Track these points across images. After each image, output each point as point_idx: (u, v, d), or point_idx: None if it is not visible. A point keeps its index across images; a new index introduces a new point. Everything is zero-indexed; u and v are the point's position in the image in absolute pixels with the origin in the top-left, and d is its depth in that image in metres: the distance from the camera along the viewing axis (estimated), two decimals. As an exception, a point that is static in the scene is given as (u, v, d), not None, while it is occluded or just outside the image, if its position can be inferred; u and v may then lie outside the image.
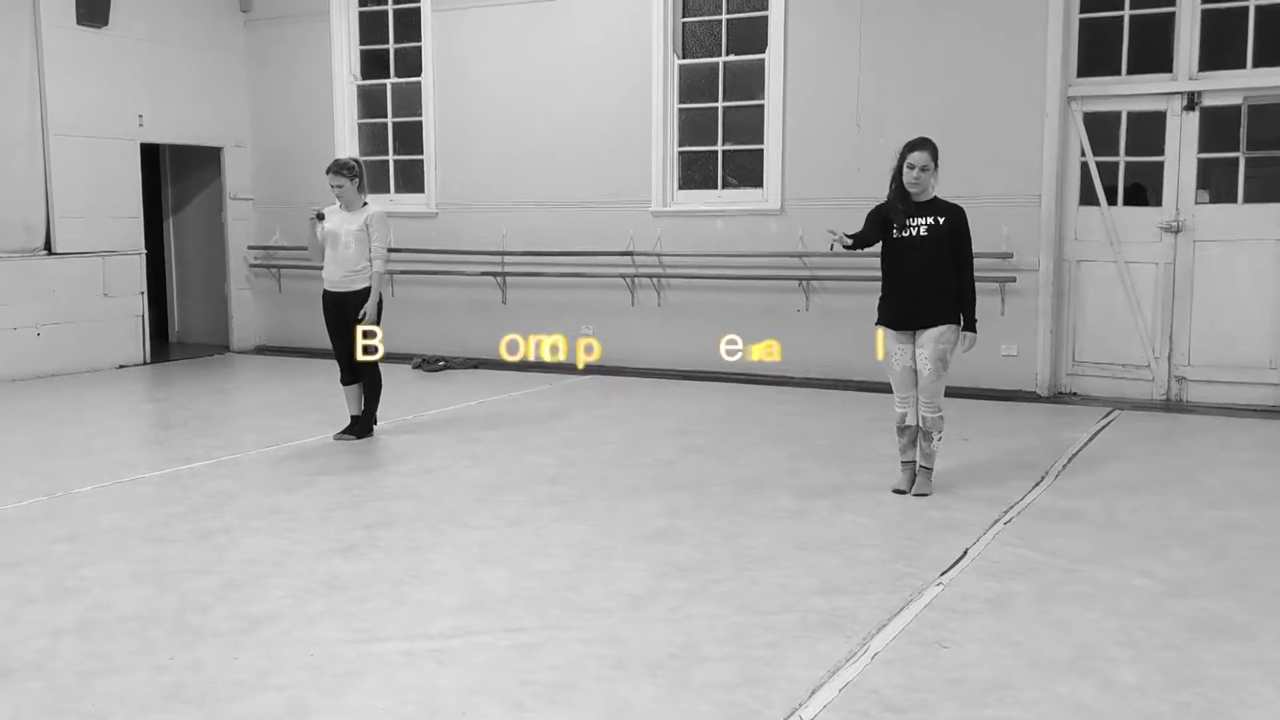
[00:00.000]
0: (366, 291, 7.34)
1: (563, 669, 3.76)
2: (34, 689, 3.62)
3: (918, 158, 5.81)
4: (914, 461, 6.09)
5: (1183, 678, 3.70)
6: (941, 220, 5.80)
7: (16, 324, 10.31)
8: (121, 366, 11.17)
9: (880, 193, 9.38)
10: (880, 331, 6.00)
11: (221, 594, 4.51)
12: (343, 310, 7.42)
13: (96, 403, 9.20)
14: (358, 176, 7.43)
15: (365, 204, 7.50)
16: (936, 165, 5.87)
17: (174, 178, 12.83)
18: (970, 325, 5.92)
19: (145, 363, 11.39)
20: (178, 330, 13.10)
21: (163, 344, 12.58)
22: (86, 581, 4.68)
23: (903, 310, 5.90)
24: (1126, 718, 3.40)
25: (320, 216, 7.40)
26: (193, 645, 3.98)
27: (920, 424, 5.95)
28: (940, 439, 6.03)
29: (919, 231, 5.81)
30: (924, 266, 5.80)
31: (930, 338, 5.84)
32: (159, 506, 5.91)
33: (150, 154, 12.16)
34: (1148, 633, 4.09)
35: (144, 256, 11.47)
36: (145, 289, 11.48)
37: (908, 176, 5.82)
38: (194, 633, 4.10)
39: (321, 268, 7.50)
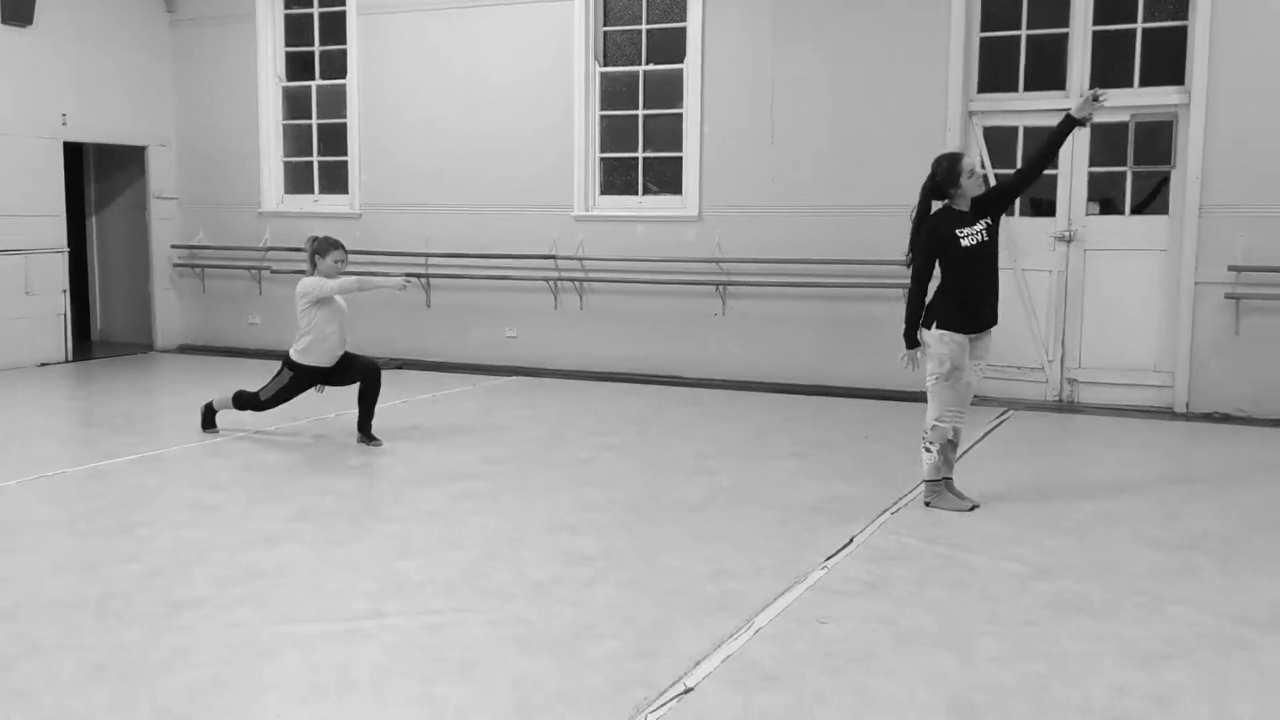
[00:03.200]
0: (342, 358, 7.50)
1: (469, 647, 4.03)
2: (-38, 669, 3.81)
3: (971, 162, 5.87)
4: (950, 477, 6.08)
5: (1036, 650, 4.07)
6: (990, 220, 5.82)
7: (-64, 322, 10.31)
8: (43, 364, 11.18)
9: (792, 202, 9.89)
10: (948, 344, 5.83)
11: (144, 582, 4.70)
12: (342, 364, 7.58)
13: (18, 400, 9.24)
14: (316, 254, 7.41)
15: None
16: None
17: (97, 177, 12.84)
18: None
19: (67, 361, 11.41)
20: (100, 329, 13.10)
21: (85, 342, 12.57)
22: (12, 571, 4.84)
23: (980, 312, 5.88)
24: (978, 684, 3.76)
25: None
26: (116, 629, 4.18)
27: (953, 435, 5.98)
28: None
29: (982, 237, 5.81)
30: (993, 268, 5.86)
31: (985, 347, 5.97)
32: (83, 500, 6.07)
33: (74, 153, 12.18)
34: (1011, 611, 4.46)
35: (67, 255, 11.50)
36: (68, 287, 11.51)
37: (973, 181, 5.81)
38: (117, 617, 4.30)
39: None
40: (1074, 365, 9.28)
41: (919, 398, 9.34)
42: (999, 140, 9.39)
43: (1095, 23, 9.02)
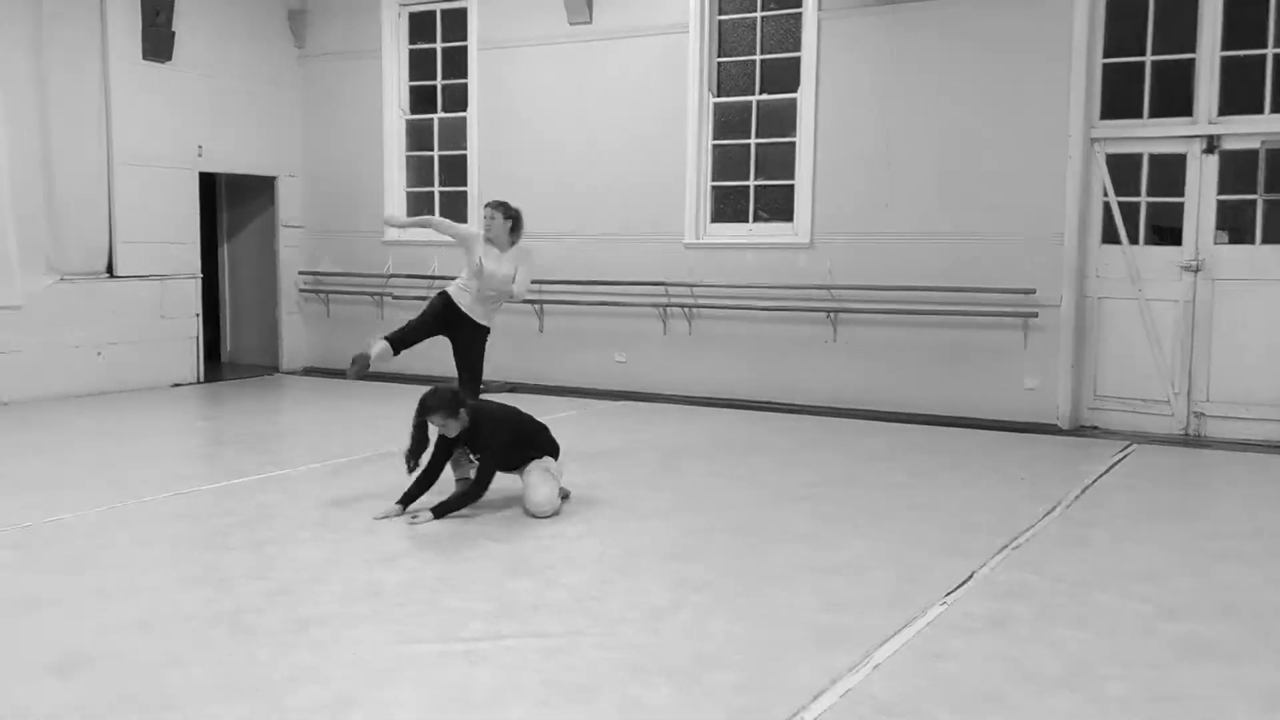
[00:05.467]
0: (485, 329, 7.31)
1: (583, 671, 4.08)
2: (110, 677, 4.00)
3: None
4: None
5: (1164, 694, 3.95)
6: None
7: (78, 343, 10.83)
8: (176, 385, 11.66)
9: (906, 229, 9.81)
10: None
11: (273, 598, 4.87)
12: (457, 323, 7.29)
13: (153, 419, 9.65)
14: (511, 218, 7.29)
15: (514, 244, 7.32)
16: None
17: (229, 205, 13.39)
18: None
19: (199, 382, 11.88)
20: (229, 351, 13.61)
21: (215, 364, 13.07)
22: (149, 584, 5.06)
23: None
24: (1104, 727, 3.68)
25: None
26: (248, 644, 4.34)
27: None
28: None
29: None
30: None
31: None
32: (215, 517, 6.31)
33: (208, 182, 12.71)
34: (1137, 652, 4.35)
35: (200, 280, 11.99)
36: (200, 311, 12.00)
37: None
38: (249, 632, 4.46)
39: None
40: (1201, 398, 8.99)
41: (1031, 429, 9.22)
42: (1123, 167, 9.18)
43: (1224, 48, 8.77)
